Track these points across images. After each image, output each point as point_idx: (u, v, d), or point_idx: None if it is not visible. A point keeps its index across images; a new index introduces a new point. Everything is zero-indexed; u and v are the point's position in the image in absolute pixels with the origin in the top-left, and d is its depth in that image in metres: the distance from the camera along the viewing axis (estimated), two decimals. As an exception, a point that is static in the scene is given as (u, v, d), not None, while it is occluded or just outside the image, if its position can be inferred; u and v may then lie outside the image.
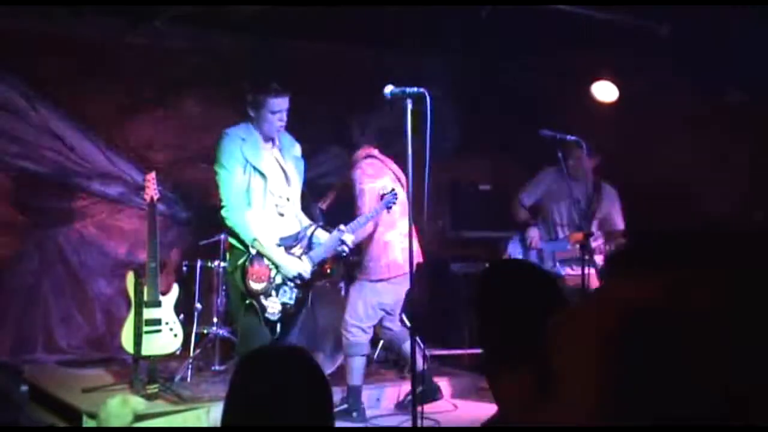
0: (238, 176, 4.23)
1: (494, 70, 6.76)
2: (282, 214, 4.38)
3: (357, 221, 4.62)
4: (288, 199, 4.41)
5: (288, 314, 4.33)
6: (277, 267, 4.29)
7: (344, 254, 4.59)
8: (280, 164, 4.40)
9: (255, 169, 4.25)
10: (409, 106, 3.64)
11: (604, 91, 5.86)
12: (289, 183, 4.42)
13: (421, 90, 3.66)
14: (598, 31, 5.73)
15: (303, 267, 4.34)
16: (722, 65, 5.07)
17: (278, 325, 4.31)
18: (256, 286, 4.26)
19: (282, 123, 4.30)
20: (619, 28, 5.66)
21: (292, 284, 4.31)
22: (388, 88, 3.72)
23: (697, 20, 5.26)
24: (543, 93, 6.33)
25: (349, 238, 4.49)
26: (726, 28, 5.12)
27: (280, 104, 4.26)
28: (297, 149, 4.56)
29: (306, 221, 4.58)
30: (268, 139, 4.36)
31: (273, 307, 4.28)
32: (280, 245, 4.33)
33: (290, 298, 4.31)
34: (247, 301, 4.25)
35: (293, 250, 4.39)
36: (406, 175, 3.74)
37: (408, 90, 3.67)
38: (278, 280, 4.30)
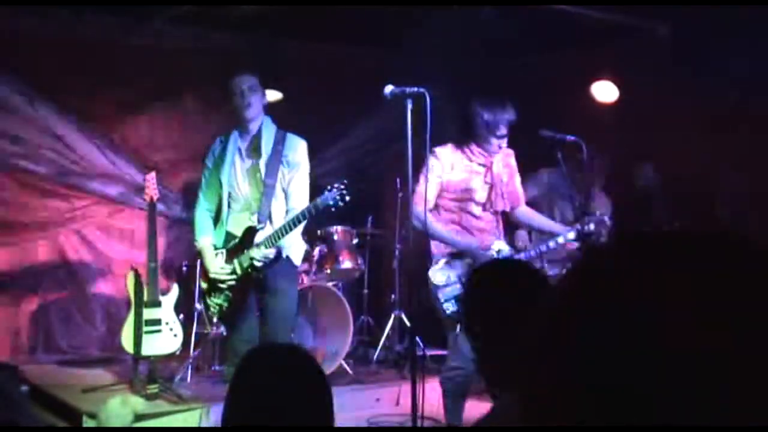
0: (210, 179, 4.46)
1: (494, 69, 6.75)
2: (240, 214, 4.37)
3: (277, 233, 4.17)
4: (254, 201, 4.34)
5: (225, 315, 4.40)
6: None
7: (262, 262, 4.21)
8: (253, 166, 4.37)
9: (217, 169, 4.40)
10: (409, 106, 3.64)
11: (604, 91, 5.85)
12: (258, 186, 4.34)
13: (421, 90, 3.66)
14: (598, 31, 5.73)
15: (218, 271, 4.31)
16: (722, 65, 5.06)
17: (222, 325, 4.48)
18: (203, 284, 4.49)
19: (245, 100, 4.28)
20: (619, 28, 5.66)
21: (223, 286, 4.34)
22: (388, 88, 3.71)
23: (697, 20, 5.26)
24: (543, 93, 6.32)
25: (258, 253, 4.18)
26: (726, 28, 5.12)
27: (239, 83, 4.33)
28: (299, 152, 4.42)
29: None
30: (248, 133, 4.38)
31: (213, 306, 4.41)
32: (228, 247, 4.35)
33: (224, 300, 4.36)
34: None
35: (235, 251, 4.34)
36: (408, 174, 3.72)
37: (408, 90, 3.66)
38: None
